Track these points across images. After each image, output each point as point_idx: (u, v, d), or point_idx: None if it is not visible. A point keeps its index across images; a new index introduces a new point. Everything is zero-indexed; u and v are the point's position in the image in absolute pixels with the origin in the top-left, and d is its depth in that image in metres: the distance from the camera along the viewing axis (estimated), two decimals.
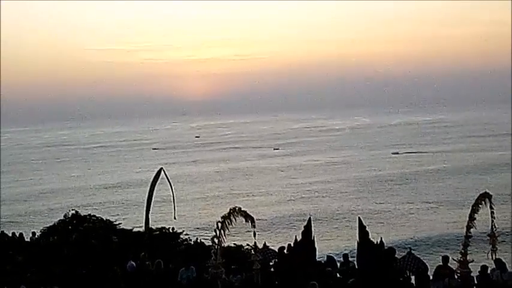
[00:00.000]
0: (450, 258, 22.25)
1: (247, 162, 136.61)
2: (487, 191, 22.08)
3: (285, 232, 59.06)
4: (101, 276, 25.06)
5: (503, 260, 22.09)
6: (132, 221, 52.88)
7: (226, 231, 21.74)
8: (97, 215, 34.90)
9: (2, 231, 36.00)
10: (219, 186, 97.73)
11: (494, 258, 21.74)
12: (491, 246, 21.91)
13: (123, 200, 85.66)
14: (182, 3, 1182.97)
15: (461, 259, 21.48)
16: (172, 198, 27.58)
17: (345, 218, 65.30)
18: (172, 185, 27.42)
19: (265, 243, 25.15)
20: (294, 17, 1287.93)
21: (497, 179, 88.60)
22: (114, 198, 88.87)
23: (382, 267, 21.64)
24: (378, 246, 22.08)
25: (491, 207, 21.65)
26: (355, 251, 22.77)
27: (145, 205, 27.79)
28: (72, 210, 34.77)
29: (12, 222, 67.65)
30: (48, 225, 34.66)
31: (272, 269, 24.04)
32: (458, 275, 21.54)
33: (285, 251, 23.65)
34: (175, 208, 28.46)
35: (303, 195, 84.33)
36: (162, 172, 27.06)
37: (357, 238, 22.43)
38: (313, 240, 22.84)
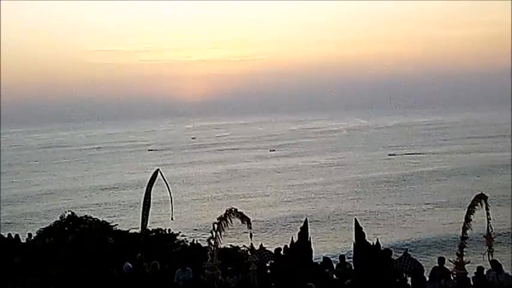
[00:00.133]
0: (446, 259, 22.28)
1: (244, 163, 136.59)
2: (483, 192, 22.10)
3: (281, 233, 59.03)
4: (97, 277, 25.03)
5: (500, 262, 22.10)
6: (128, 222, 52.81)
7: (223, 233, 21.73)
8: (93, 217, 34.87)
9: None
10: (215, 188, 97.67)
11: (490, 259, 21.76)
12: (487, 247, 21.93)
13: (120, 201, 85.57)
14: (181, 3, 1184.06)
15: (458, 260, 21.50)
16: (170, 199, 27.57)
17: (341, 219, 65.28)
18: (169, 185, 27.41)
19: (261, 244, 25.15)
20: (292, 17, 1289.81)
21: (495, 181, 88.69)
22: (111, 199, 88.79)
23: (378, 269, 21.65)
24: (374, 247, 22.08)
25: (486, 209, 21.67)
26: (352, 252, 22.78)
27: (141, 206, 27.77)
28: (69, 211, 34.76)
29: (9, 223, 67.51)
30: (44, 227, 34.63)
31: (268, 271, 24.03)
32: (455, 276, 21.56)
33: (282, 252, 23.63)
34: (173, 209, 28.44)
35: (300, 197, 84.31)
36: (159, 173, 27.05)
37: (353, 239, 22.43)
38: (310, 241, 22.84)
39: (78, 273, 25.78)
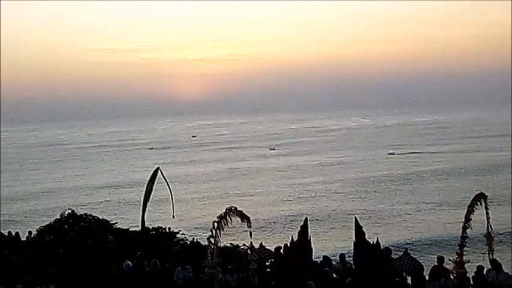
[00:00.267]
0: (446, 258, 22.28)
1: (244, 162, 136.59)
2: (483, 191, 22.10)
3: (281, 232, 59.05)
4: (97, 275, 25.04)
5: (500, 261, 22.11)
6: (128, 220, 52.82)
7: (223, 231, 21.73)
8: (93, 215, 34.88)
9: None
10: (215, 186, 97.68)
11: (491, 258, 21.77)
12: (487, 246, 21.93)
13: (120, 199, 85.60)
14: (181, 3, 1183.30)
15: (457, 259, 21.50)
16: (170, 197, 27.57)
17: (341, 218, 65.28)
18: (169, 184, 27.42)
19: (261, 243, 25.17)
20: (292, 17, 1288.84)
21: (495, 180, 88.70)
22: (111, 197, 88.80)
23: (378, 268, 21.66)
24: (374, 246, 22.10)
25: (486, 208, 21.67)
26: (352, 251, 22.79)
27: (141, 205, 27.76)
28: (69, 209, 34.75)
29: (9, 221, 67.53)
30: (44, 225, 34.63)
31: (268, 269, 24.04)
32: (454, 275, 21.57)
33: (282, 251, 23.65)
34: (174, 207, 28.46)
35: (300, 196, 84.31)
36: (159, 172, 27.04)
37: (353, 238, 22.44)
38: (310, 240, 22.85)
39: (78, 271, 25.79)
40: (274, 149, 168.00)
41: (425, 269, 22.57)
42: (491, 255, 21.83)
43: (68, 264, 26.65)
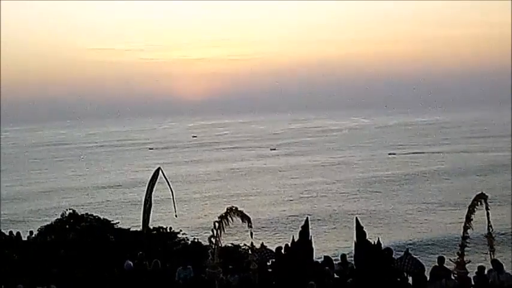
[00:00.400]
0: (447, 259, 22.27)
1: (245, 162, 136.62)
2: (484, 192, 22.09)
3: (282, 232, 59.06)
4: (98, 275, 25.04)
5: (501, 261, 22.10)
6: (129, 220, 52.82)
7: (224, 231, 21.73)
8: (94, 215, 34.87)
9: None
10: (216, 186, 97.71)
11: (492, 258, 21.76)
12: (489, 247, 21.93)
13: (121, 199, 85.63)
14: (181, 3, 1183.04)
15: (458, 260, 21.49)
16: (171, 196, 27.59)
17: (342, 218, 65.28)
18: (170, 184, 27.44)
19: (262, 243, 25.15)
20: (292, 17, 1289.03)
21: (496, 180, 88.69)
22: (112, 197, 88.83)
23: (379, 268, 21.65)
24: (375, 246, 22.09)
25: (487, 208, 21.66)
26: (353, 251, 22.77)
27: (142, 205, 27.78)
28: (69, 209, 34.72)
29: (10, 221, 67.54)
30: (45, 224, 34.61)
31: (269, 269, 24.04)
32: (455, 275, 21.56)
33: (283, 251, 23.64)
34: (176, 206, 28.50)
35: (301, 196, 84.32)
36: (160, 172, 27.06)
37: (354, 238, 22.43)
38: (311, 240, 22.84)
39: (79, 271, 25.80)
40: (275, 149, 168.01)
41: (426, 270, 22.56)
42: (492, 255, 21.83)
43: (69, 264, 26.65)
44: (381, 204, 74.32)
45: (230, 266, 24.47)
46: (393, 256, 22.56)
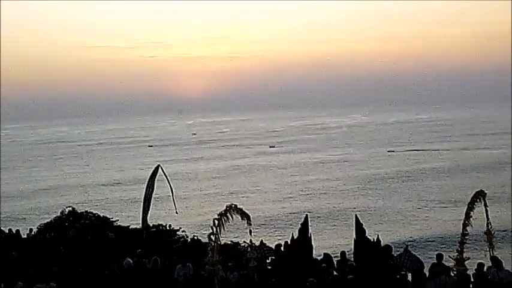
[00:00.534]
0: (446, 256, 22.28)
1: (244, 159, 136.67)
2: (483, 189, 22.09)
3: (282, 229, 59.11)
4: (97, 273, 25.04)
5: (500, 258, 22.10)
6: (129, 218, 52.87)
7: (223, 229, 21.73)
8: (94, 212, 34.87)
9: None
10: (215, 184, 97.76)
11: (491, 255, 21.76)
12: (488, 244, 21.93)
13: (120, 197, 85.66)
14: (180, 2, 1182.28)
15: (458, 257, 21.50)
16: (171, 193, 27.59)
17: (342, 215, 65.36)
18: (170, 181, 27.44)
19: (262, 240, 25.15)
20: (292, 15, 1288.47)
21: (495, 178, 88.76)
22: (111, 195, 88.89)
23: (378, 265, 21.66)
24: (374, 243, 22.09)
25: (485, 205, 21.65)
26: (352, 248, 22.78)
27: (142, 202, 27.76)
28: (69, 207, 34.73)
29: (9, 218, 67.58)
30: (44, 222, 34.61)
31: (269, 267, 24.04)
32: (455, 272, 21.56)
33: (282, 248, 23.64)
34: (176, 203, 28.48)
35: (300, 193, 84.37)
36: (160, 169, 27.04)
37: (354, 236, 22.44)
38: (310, 237, 22.84)
39: (79, 268, 25.79)
40: (274, 147, 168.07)
41: (425, 267, 22.56)
42: (491, 252, 21.83)
43: (69, 262, 26.64)
44: (381, 202, 74.38)
45: (230, 263, 24.46)
46: (393, 253, 22.56)
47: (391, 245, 23.35)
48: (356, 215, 22.98)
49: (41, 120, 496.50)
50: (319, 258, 24.17)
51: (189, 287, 23.13)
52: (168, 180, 27.25)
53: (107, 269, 24.96)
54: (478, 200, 21.74)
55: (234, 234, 28.55)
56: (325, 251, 25.33)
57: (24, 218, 69.78)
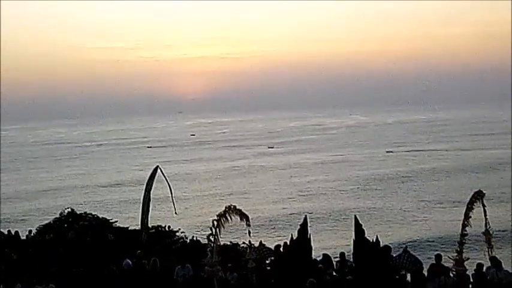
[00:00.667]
0: (445, 256, 22.29)
1: (244, 160, 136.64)
2: (482, 189, 22.09)
3: (281, 230, 59.09)
4: (97, 274, 25.05)
5: (499, 258, 22.12)
6: (128, 219, 52.86)
7: (222, 230, 21.73)
8: (93, 213, 34.88)
9: None
10: (214, 185, 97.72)
11: (490, 255, 21.76)
12: (487, 244, 21.93)
13: (119, 198, 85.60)
14: (180, 2, 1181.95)
15: (457, 257, 21.51)
16: (170, 194, 27.61)
17: (341, 216, 65.33)
18: (169, 182, 27.46)
19: (261, 241, 25.17)
20: (292, 15, 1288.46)
21: (495, 178, 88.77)
22: (110, 196, 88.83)
23: (378, 265, 21.67)
24: (374, 244, 22.11)
25: (483, 205, 21.66)
26: (352, 249, 22.79)
27: (141, 203, 27.78)
28: (68, 208, 34.74)
29: (9, 220, 67.58)
30: (44, 223, 34.62)
31: (268, 267, 24.06)
32: (454, 273, 21.57)
33: (281, 249, 23.65)
34: (175, 204, 28.50)
35: (300, 194, 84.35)
36: (159, 170, 27.08)
37: (353, 236, 22.45)
38: (309, 238, 22.86)
39: (78, 270, 25.81)
40: (272, 147, 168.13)
41: (425, 267, 22.58)
42: (490, 252, 21.83)
43: (68, 263, 26.66)
44: (380, 202, 74.36)
45: (229, 264, 24.49)
46: (392, 254, 22.58)
47: (390, 245, 23.39)
48: (355, 216, 23.00)
49: (41, 121, 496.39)
50: (318, 259, 24.20)
51: None
52: (167, 181, 27.30)
53: (106, 270, 24.98)
54: (477, 201, 21.75)
55: (234, 235, 28.58)
56: (325, 252, 25.36)
57: (24, 220, 69.74)
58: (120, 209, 74.44)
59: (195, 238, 31.77)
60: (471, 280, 21.74)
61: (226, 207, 21.83)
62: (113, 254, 27.57)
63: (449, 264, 21.85)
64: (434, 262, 22.29)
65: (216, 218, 21.71)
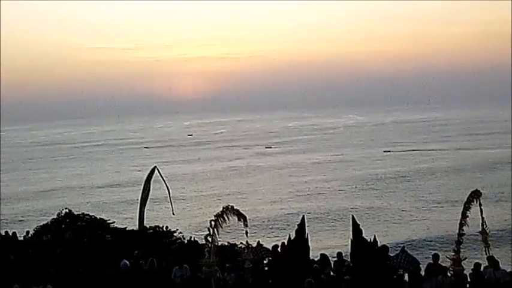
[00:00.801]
0: (443, 255, 22.30)
1: (241, 160, 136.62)
2: (479, 189, 22.11)
3: (279, 230, 59.10)
4: (94, 275, 25.03)
5: (496, 258, 22.14)
6: (125, 219, 52.86)
7: (220, 230, 21.74)
8: (90, 214, 34.86)
9: None
10: (212, 185, 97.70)
11: (487, 255, 21.78)
12: (484, 243, 21.95)
13: (117, 198, 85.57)
14: (179, 2, 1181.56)
15: (454, 257, 21.52)
16: (168, 195, 27.63)
17: (339, 216, 65.35)
18: (166, 182, 27.48)
19: (259, 241, 25.16)
20: (290, 16, 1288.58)
21: (493, 178, 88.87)
22: (108, 197, 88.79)
23: (375, 265, 21.66)
24: (371, 244, 22.09)
25: (480, 205, 21.67)
26: (349, 249, 22.77)
27: (139, 204, 27.80)
28: (65, 209, 34.71)
29: (6, 221, 67.52)
30: (41, 224, 34.59)
31: (266, 268, 24.05)
32: (451, 272, 21.58)
33: (279, 249, 23.63)
34: (172, 204, 28.53)
35: (297, 194, 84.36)
36: (156, 171, 27.11)
37: (351, 236, 22.44)
38: (307, 238, 22.84)
39: (75, 270, 25.78)
40: (270, 148, 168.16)
41: (422, 267, 22.58)
42: (487, 251, 21.84)
43: (65, 264, 26.63)
44: (377, 202, 74.39)
45: (227, 265, 24.47)
46: (389, 253, 22.57)
47: (388, 245, 23.38)
48: (352, 216, 22.98)
49: (38, 122, 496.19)
50: (316, 259, 24.19)
51: None
52: (164, 182, 27.32)
53: (103, 270, 24.96)
54: (474, 200, 21.77)
55: (231, 235, 28.62)
56: (322, 252, 25.34)
57: (21, 221, 69.67)
58: (118, 210, 74.41)
59: (192, 238, 31.77)
60: (468, 279, 21.75)
61: (223, 208, 21.84)
62: (110, 254, 27.55)
63: (446, 263, 21.86)
64: (431, 262, 22.29)
65: (213, 218, 21.73)
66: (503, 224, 55.08)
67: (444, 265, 21.87)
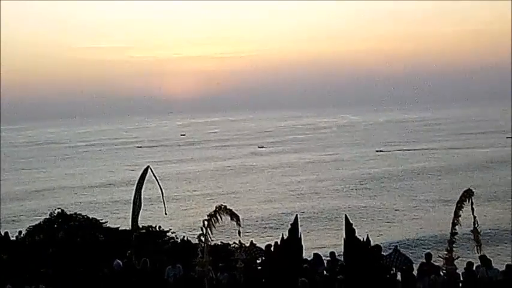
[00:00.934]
0: (436, 255, 22.32)
1: (234, 160, 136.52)
2: (471, 188, 22.13)
3: (272, 230, 59.08)
4: (87, 274, 24.99)
5: (490, 257, 22.19)
6: (118, 219, 52.77)
7: (213, 230, 21.71)
8: (83, 214, 34.79)
9: None
10: (205, 185, 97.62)
11: (479, 254, 21.80)
12: (475, 242, 21.97)
13: (110, 198, 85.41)
14: (172, 2, 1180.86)
15: (447, 256, 21.53)
16: (161, 194, 27.55)
17: (332, 216, 65.35)
18: (159, 181, 27.40)
19: (252, 241, 25.15)
20: (285, 16, 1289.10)
21: (486, 177, 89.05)
22: (101, 196, 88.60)
23: (368, 265, 21.67)
24: (364, 243, 22.11)
25: (471, 204, 21.68)
26: (342, 248, 22.78)
27: (131, 203, 27.69)
28: (58, 209, 34.63)
29: None
30: (33, 224, 34.50)
31: (259, 267, 24.04)
32: (444, 271, 21.60)
33: (272, 249, 23.63)
34: (165, 204, 28.43)
35: (290, 193, 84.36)
36: (149, 170, 27.00)
37: (344, 236, 22.45)
38: (300, 238, 22.84)
39: (68, 270, 25.73)
40: (263, 147, 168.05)
41: (415, 266, 22.61)
42: (479, 250, 21.86)
43: (58, 264, 26.58)
44: (371, 201, 74.44)
45: (220, 264, 24.46)
46: (382, 253, 22.58)
47: (381, 244, 23.40)
48: (345, 215, 23.00)
49: (31, 122, 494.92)
50: (309, 258, 24.19)
51: None
52: (157, 182, 27.24)
53: (96, 270, 24.92)
54: (467, 200, 21.78)
55: (224, 235, 28.56)
56: (316, 251, 25.36)
57: (14, 221, 69.42)
58: (111, 210, 74.28)
59: (185, 238, 31.76)
60: (461, 279, 21.77)
61: (216, 207, 21.81)
62: (103, 254, 27.51)
63: (439, 262, 21.87)
64: (424, 261, 22.31)
65: (206, 218, 21.69)
66: (496, 223, 55.21)
67: (437, 264, 21.89)
